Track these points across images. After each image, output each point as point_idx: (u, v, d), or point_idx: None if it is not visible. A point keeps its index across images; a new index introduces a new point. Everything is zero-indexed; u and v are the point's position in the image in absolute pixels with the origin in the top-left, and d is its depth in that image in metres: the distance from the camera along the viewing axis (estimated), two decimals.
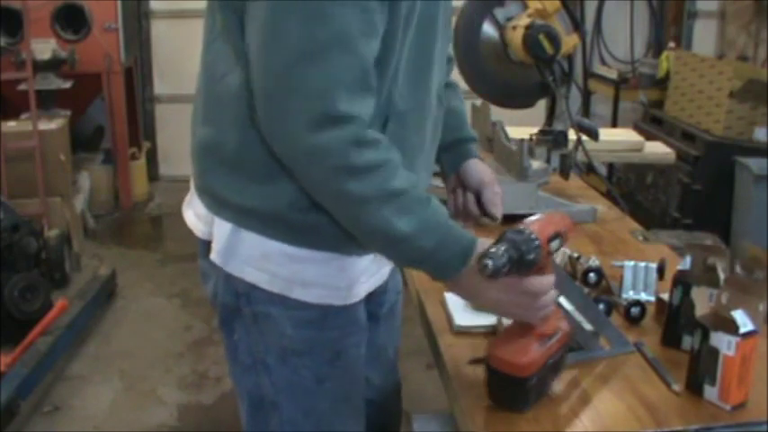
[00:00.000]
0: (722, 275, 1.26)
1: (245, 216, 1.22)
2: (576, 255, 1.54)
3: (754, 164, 3.62)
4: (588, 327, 1.25)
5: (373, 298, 1.38)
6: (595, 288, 1.46)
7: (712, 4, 5.09)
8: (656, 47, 5.06)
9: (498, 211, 1.40)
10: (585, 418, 1.10)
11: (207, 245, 1.28)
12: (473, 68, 2.03)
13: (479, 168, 1.44)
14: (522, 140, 1.87)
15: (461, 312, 1.37)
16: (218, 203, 1.24)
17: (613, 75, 4.70)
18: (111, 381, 2.95)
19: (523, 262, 1.09)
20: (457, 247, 1.14)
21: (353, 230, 1.17)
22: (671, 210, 3.97)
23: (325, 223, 1.19)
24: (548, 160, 1.98)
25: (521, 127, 2.21)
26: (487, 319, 1.34)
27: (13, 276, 3.13)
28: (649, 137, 2.91)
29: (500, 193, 1.42)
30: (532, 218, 1.17)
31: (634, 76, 4.72)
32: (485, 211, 1.41)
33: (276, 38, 1.08)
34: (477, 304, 1.30)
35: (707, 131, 3.90)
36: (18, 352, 2.80)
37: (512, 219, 1.84)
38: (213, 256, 1.25)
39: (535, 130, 2.03)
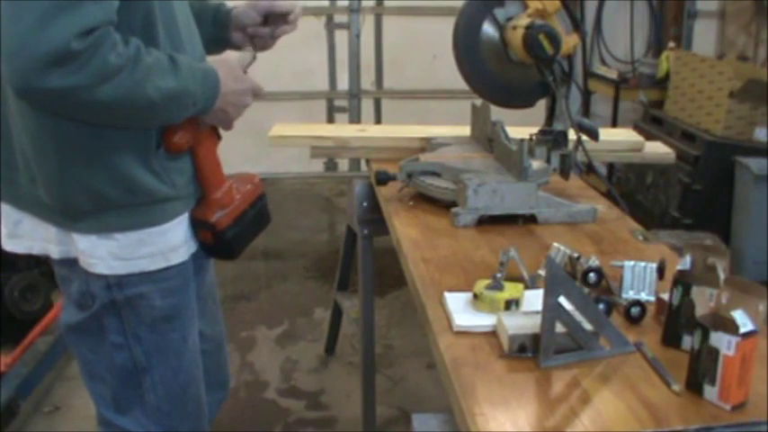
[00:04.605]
0: (722, 275, 1.26)
1: (102, 221, 1.35)
2: (576, 255, 1.55)
3: (754, 164, 3.62)
4: (588, 327, 1.25)
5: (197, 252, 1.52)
6: (595, 288, 1.46)
7: (712, 4, 5.09)
8: (656, 47, 5.06)
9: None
10: (585, 418, 1.10)
11: (62, 260, 1.44)
12: (473, 68, 2.03)
13: (241, 10, 1.63)
14: (522, 140, 1.87)
15: (461, 312, 1.37)
16: (69, 220, 1.37)
17: (613, 75, 4.70)
18: None
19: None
20: (212, 74, 1.39)
21: (154, 114, 1.31)
22: (671, 210, 3.97)
23: (165, 197, 1.39)
24: (548, 160, 1.97)
25: (521, 127, 2.21)
26: (487, 320, 1.34)
27: (13, 276, 3.12)
28: (649, 137, 2.90)
29: None
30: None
31: (634, 76, 4.72)
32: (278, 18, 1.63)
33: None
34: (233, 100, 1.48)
35: (707, 131, 3.90)
36: (18, 352, 2.80)
37: (512, 219, 1.86)
38: (91, 269, 1.38)
39: (535, 130, 2.03)
